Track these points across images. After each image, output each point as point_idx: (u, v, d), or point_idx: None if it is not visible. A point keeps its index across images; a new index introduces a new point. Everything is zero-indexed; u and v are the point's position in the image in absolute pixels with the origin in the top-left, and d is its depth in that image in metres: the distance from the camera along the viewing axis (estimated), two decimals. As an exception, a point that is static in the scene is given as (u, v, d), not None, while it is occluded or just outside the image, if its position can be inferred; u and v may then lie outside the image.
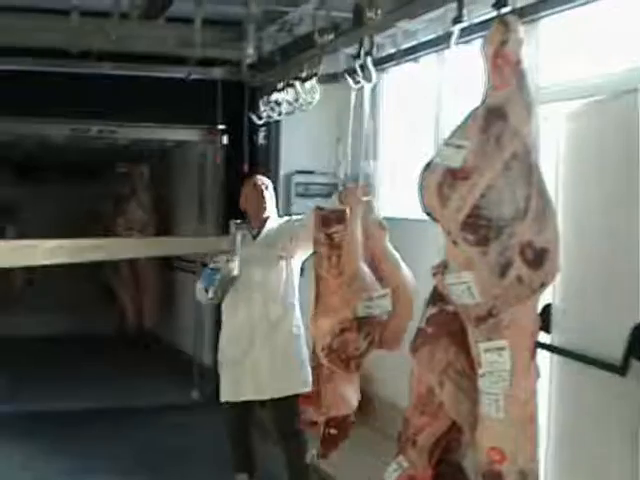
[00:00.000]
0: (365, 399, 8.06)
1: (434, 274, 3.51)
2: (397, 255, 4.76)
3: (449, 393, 3.65)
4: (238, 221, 5.74)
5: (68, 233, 12.48)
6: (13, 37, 6.64)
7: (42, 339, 12.03)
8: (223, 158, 9.24)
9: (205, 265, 6.00)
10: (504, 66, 3.39)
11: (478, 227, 3.30)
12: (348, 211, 4.62)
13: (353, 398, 4.93)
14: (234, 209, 9.24)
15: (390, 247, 4.79)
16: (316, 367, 4.85)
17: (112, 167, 11.86)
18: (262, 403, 6.00)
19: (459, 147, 3.37)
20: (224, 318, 6.04)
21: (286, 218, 6.04)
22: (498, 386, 3.41)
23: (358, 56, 5.57)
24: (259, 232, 5.95)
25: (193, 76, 7.50)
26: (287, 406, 5.73)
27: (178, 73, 7.67)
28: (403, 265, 4.70)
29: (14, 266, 3.62)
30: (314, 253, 4.74)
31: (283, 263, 5.83)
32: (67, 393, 9.46)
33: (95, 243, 3.51)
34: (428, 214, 3.50)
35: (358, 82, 5.58)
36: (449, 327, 3.63)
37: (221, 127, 8.97)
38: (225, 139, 9.20)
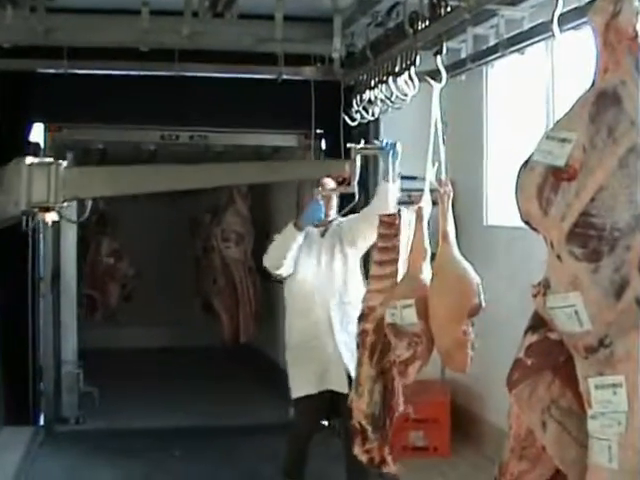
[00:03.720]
0: (474, 421, 7.59)
1: (534, 295, 2.96)
2: (445, 267, 4.66)
3: (552, 436, 3.10)
4: (359, 146, 5.34)
5: (165, 244, 12.37)
6: (80, 36, 6.32)
7: (139, 352, 11.87)
8: (321, 164, 8.77)
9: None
10: (616, 42, 2.84)
11: (587, 238, 2.77)
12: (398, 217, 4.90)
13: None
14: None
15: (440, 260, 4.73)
16: None
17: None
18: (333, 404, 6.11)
19: (563, 141, 2.82)
20: (295, 315, 6.24)
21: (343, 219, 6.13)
22: (612, 430, 2.87)
23: (438, 53, 5.07)
24: (326, 231, 6.16)
25: (284, 76, 7.03)
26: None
27: (269, 74, 7.23)
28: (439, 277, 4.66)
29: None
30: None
31: (351, 260, 6.07)
32: (161, 409, 9.23)
33: (203, 167, 3.13)
34: (526, 223, 2.94)
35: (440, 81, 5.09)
36: (552, 358, 3.07)
37: (318, 131, 8.50)
38: (323, 144, 8.75)
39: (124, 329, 12.09)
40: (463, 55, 6.46)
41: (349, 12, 6.28)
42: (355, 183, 5.17)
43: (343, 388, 5.91)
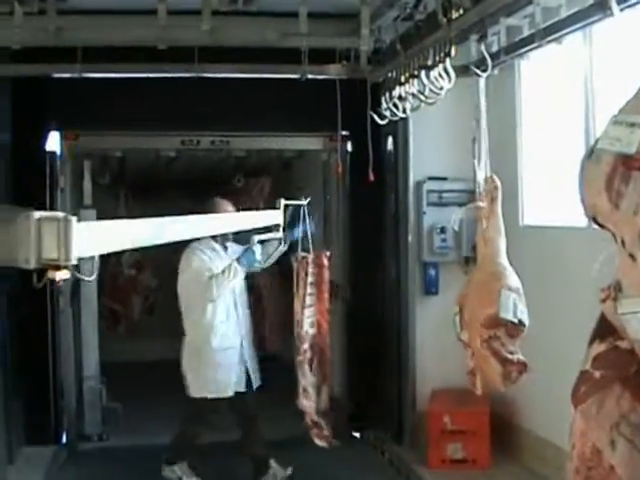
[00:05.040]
0: (515, 432, 7.24)
1: (603, 300, 2.63)
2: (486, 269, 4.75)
3: (623, 455, 2.80)
4: (284, 201, 6.52)
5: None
6: (94, 35, 6.05)
7: (162, 364, 11.51)
8: (348, 167, 8.48)
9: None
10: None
11: (664, 234, 2.42)
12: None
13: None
14: (360, 222, 8.47)
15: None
16: None
17: (230, 181, 11.19)
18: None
19: (633, 125, 2.52)
20: (218, 320, 7.01)
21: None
22: (690, 449, 2.54)
23: (482, 38, 4.79)
24: (226, 248, 7.11)
25: (308, 75, 6.73)
26: (251, 394, 7.24)
27: (292, 73, 6.93)
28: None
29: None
30: None
31: None
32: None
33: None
34: (593, 219, 2.62)
35: (485, 70, 4.80)
36: (623, 369, 2.76)
37: (344, 133, 8.17)
38: (349, 146, 8.45)
39: (146, 342, 11.79)
40: (495, 48, 6.17)
41: (375, 6, 5.96)
42: (281, 229, 6.45)
43: (242, 388, 7.13)
